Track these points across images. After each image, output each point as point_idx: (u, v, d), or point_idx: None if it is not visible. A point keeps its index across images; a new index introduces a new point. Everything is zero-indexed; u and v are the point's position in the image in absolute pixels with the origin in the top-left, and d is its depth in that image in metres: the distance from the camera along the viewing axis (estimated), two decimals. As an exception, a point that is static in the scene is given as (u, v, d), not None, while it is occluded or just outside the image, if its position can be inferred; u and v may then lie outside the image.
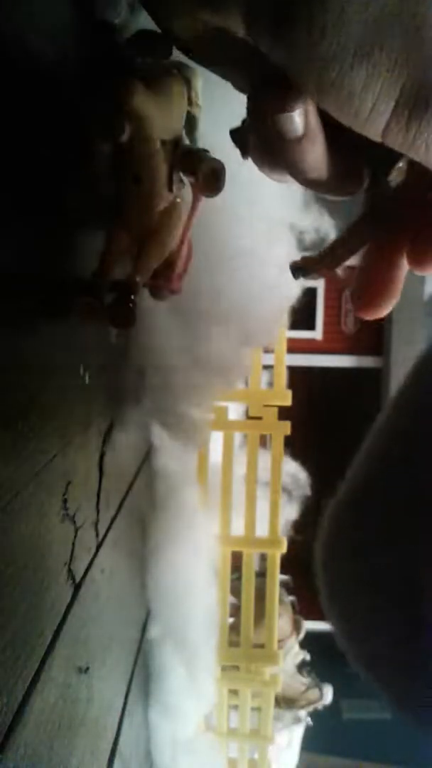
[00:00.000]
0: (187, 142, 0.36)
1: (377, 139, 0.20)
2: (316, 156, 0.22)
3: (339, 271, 0.27)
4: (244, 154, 0.26)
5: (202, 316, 0.73)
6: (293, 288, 0.82)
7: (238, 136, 0.26)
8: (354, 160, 0.23)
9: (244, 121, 0.25)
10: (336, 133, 0.22)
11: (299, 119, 0.21)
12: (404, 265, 0.24)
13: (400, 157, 0.22)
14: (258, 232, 0.69)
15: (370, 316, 0.25)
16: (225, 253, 0.67)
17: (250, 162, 0.26)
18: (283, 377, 0.92)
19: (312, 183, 0.24)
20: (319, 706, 1.18)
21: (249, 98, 0.23)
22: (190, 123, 0.37)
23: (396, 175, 0.23)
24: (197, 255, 0.44)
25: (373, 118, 0.19)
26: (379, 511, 0.21)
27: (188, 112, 0.36)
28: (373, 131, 0.19)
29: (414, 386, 0.23)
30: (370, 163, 0.24)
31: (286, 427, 0.89)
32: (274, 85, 0.21)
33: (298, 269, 0.27)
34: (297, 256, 0.77)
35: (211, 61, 0.24)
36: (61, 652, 0.41)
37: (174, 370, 0.77)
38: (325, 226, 0.78)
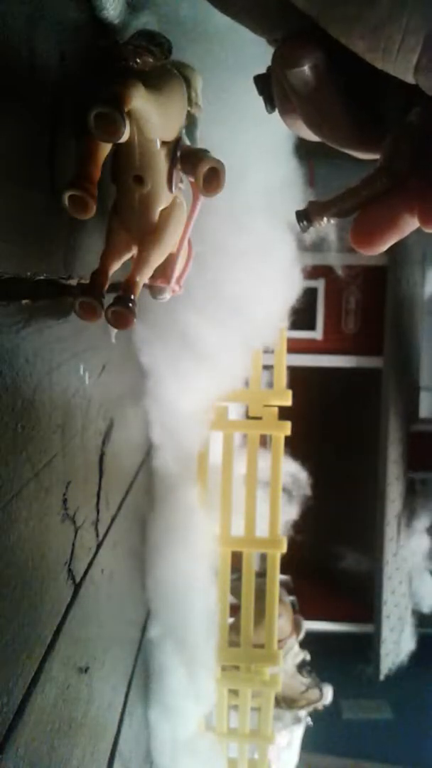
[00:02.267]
0: (187, 142, 0.36)
1: (409, 79, 0.18)
2: (330, 110, 0.22)
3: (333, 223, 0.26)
4: (269, 104, 0.25)
5: (201, 316, 0.74)
6: (293, 288, 0.82)
7: (261, 84, 0.25)
8: (372, 116, 0.23)
9: (269, 69, 0.25)
10: (354, 89, 0.21)
11: (311, 74, 0.21)
12: (410, 221, 0.23)
13: (416, 105, 0.22)
14: (258, 232, 0.69)
15: (363, 250, 0.24)
16: (225, 253, 0.67)
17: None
18: (283, 377, 0.92)
19: (327, 137, 0.23)
20: (319, 706, 1.17)
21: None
22: (190, 123, 0.37)
23: (413, 121, 0.22)
24: (197, 255, 0.44)
25: (403, 54, 0.17)
26: None
27: (188, 112, 0.36)
28: (404, 70, 0.18)
29: None
30: (388, 114, 0.23)
31: (286, 427, 0.89)
32: (290, 39, 0.20)
33: (303, 215, 0.26)
34: (297, 256, 0.77)
35: (232, 9, 0.23)
36: (61, 652, 0.41)
37: (174, 370, 0.77)
38: (324, 226, 0.78)
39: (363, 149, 0.24)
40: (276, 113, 0.26)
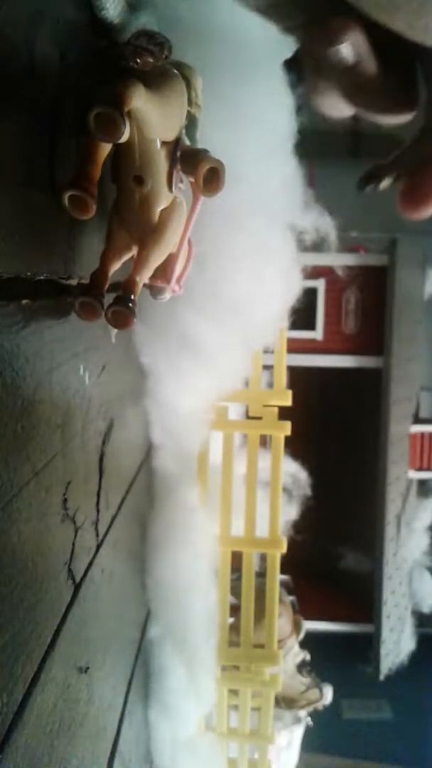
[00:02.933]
0: (187, 142, 0.36)
1: None
2: (369, 80, 0.23)
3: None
4: (298, 82, 0.27)
5: (201, 316, 0.73)
6: (294, 288, 0.82)
7: (293, 65, 0.27)
8: (407, 79, 0.24)
9: (296, 53, 0.26)
10: (388, 57, 0.23)
11: (350, 48, 0.22)
12: None
13: None
14: (258, 231, 0.69)
15: (410, 214, 0.25)
16: (225, 252, 0.67)
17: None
18: (283, 377, 0.92)
19: (365, 105, 0.25)
20: (319, 706, 1.17)
21: (303, 36, 0.24)
22: (190, 123, 0.37)
23: None
24: (197, 255, 0.44)
25: None
26: None
27: (188, 112, 0.36)
28: None
29: None
30: (422, 77, 0.24)
31: (286, 427, 0.89)
32: (325, 19, 0.22)
33: (369, 177, 0.28)
34: (297, 256, 0.77)
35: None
36: (61, 652, 0.41)
37: (174, 370, 0.77)
38: (325, 226, 0.78)
39: (398, 112, 0.26)
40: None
